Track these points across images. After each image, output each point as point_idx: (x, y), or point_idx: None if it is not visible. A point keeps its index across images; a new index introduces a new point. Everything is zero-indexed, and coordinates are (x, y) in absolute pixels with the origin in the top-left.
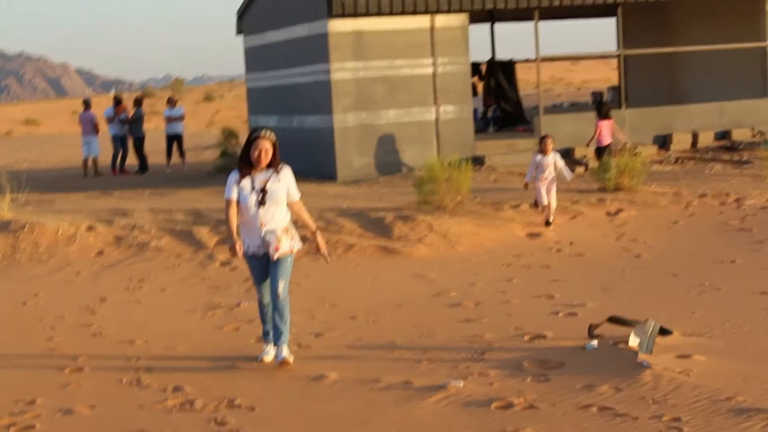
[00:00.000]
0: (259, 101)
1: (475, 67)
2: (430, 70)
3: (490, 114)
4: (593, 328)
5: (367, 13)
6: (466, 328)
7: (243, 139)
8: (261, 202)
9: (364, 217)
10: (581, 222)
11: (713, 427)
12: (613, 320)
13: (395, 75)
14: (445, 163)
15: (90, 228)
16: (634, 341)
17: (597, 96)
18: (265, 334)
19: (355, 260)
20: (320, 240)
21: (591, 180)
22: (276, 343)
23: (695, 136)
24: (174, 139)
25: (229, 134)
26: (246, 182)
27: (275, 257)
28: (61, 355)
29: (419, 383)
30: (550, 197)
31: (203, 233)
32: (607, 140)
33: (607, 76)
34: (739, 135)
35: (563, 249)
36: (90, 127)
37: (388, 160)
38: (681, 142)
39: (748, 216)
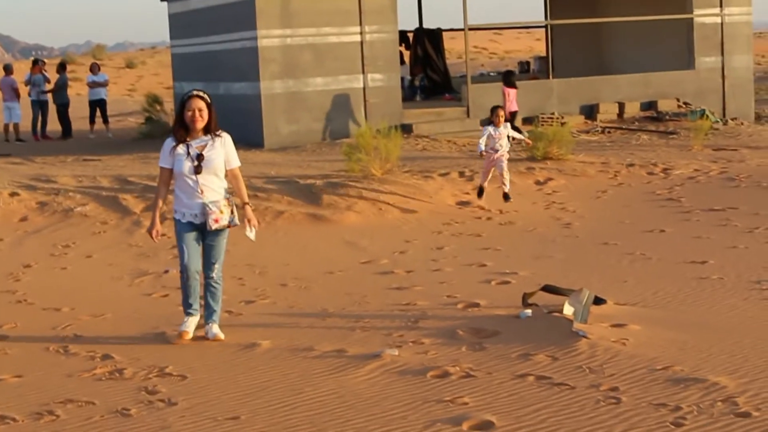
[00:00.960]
0: (184, 68)
1: (403, 36)
2: (358, 38)
3: (417, 83)
4: (527, 297)
5: None
6: (399, 296)
7: (168, 106)
8: (197, 170)
9: (292, 184)
10: (510, 191)
11: (651, 397)
12: (547, 289)
13: (323, 42)
14: (374, 131)
15: (13, 194)
16: (568, 310)
17: (524, 65)
18: (187, 305)
19: (285, 228)
20: (250, 214)
21: (519, 149)
22: (207, 321)
23: (622, 107)
24: (97, 105)
25: (154, 100)
26: (181, 149)
27: (213, 227)
28: None
29: (353, 351)
30: (503, 171)
31: (129, 199)
32: (514, 107)
33: (530, 46)
34: (665, 106)
35: (493, 217)
36: (10, 92)
37: (315, 127)
38: (608, 112)
39: (676, 186)
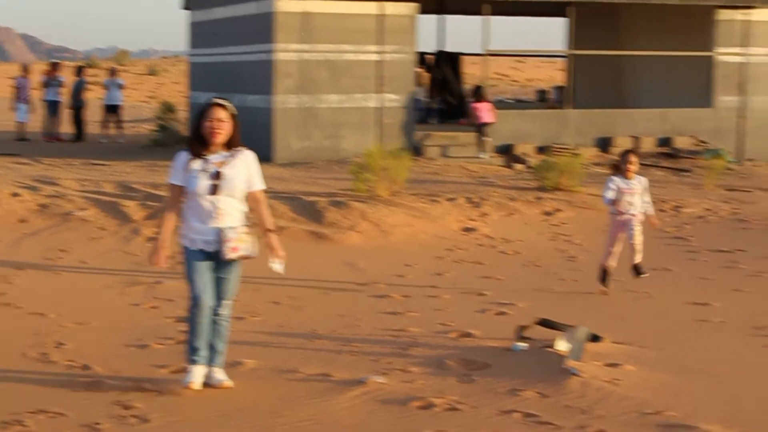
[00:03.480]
0: (200, 77)
1: (422, 57)
2: (375, 57)
3: (434, 105)
4: (522, 330)
5: None
6: (392, 321)
7: (181, 114)
8: (214, 190)
9: (297, 200)
10: (517, 220)
11: None
12: (543, 323)
13: (340, 59)
14: (385, 151)
15: (14, 194)
16: (562, 346)
17: (542, 94)
18: (194, 350)
19: (285, 244)
20: (275, 242)
21: (530, 178)
22: (211, 364)
23: (637, 141)
24: (112, 110)
25: (168, 108)
26: (197, 164)
27: (230, 256)
28: None
29: (338, 376)
30: (634, 237)
31: (130, 206)
32: (487, 118)
33: (551, 75)
34: (681, 143)
35: (497, 246)
36: (25, 92)
37: (327, 144)
38: (622, 145)
39: (686, 224)
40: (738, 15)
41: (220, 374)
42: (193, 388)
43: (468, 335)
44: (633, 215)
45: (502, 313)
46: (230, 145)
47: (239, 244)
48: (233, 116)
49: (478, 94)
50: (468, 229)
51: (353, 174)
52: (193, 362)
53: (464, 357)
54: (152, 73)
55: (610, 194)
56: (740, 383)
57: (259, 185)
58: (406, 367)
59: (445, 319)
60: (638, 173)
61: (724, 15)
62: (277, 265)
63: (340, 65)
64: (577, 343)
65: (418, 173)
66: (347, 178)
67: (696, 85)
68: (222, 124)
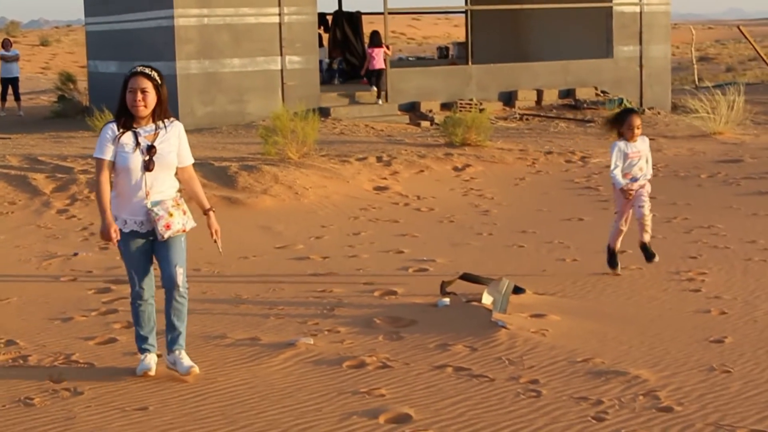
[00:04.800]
0: (98, 46)
1: (321, 18)
2: (276, 19)
3: (335, 66)
4: (445, 285)
5: None
6: (315, 283)
7: (81, 84)
8: (147, 166)
9: (207, 166)
10: (428, 177)
11: (572, 390)
12: (466, 277)
13: (241, 23)
14: (291, 113)
15: None
16: (487, 299)
17: (443, 51)
18: (142, 339)
19: (198, 210)
20: (213, 222)
21: (437, 134)
22: (172, 348)
23: (540, 94)
24: (9, 83)
25: (67, 78)
26: (127, 138)
27: (165, 236)
28: None
29: (267, 340)
30: (644, 213)
31: (39, 179)
32: (379, 65)
33: (447, 32)
34: (583, 94)
35: (411, 203)
36: None
37: (231, 109)
38: (526, 99)
39: (594, 174)
40: None
41: (186, 360)
42: (149, 375)
43: (392, 293)
44: (642, 186)
45: (423, 270)
46: (158, 116)
47: (170, 219)
48: (158, 85)
49: (374, 39)
50: (380, 188)
51: (262, 137)
52: (143, 351)
53: (390, 315)
54: (44, 43)
55: (618, 174)
56: (663, 328)
57: (189, 160)
58: (334, 328)
59: (367, 278)
60: (543, 124)
61: None
62: (219, 244)
63: (242, 29)
64: (502, 295)
65: (325, 134)
66: (256, 142)
67: (595, 37)
68: (146, 95)
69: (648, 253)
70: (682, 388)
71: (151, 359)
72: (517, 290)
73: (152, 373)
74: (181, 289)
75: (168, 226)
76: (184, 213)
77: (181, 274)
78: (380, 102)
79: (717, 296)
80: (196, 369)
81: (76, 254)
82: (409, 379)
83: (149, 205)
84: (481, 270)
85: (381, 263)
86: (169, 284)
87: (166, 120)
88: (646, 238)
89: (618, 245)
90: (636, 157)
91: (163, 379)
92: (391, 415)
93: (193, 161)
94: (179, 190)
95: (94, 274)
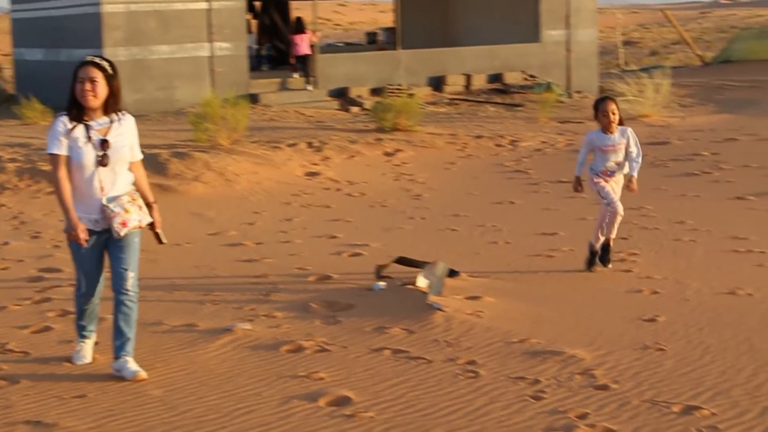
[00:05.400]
0: (25, 33)
1: (250, 4)
2: (204, 6)
3: (264, 52)
4: (380, 269)
5: None
6: (249, 269)
7: (6, 72)
8: (101, 161)
9: None
10: (359, 162)
11: (509, 370)
12: (401, 261)
13: (169, 9)
14: (221, 100)
15: None
16: (422, 282)
17: (371, 36)
18: (81, 327)
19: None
20: (157, 216)
21: (367, 120)
22: (119, 355)
23: (469, 79)
24: None
25: None
26: (79, 132)
27: (122, 233)
28: None
29: (204, 326)
30: (615, 216)
31: None
32: (304, 51)
33: (374, 18)
34: (512, 78)
35: (342, 189)
36: None
37: (160, 96)
38: (455, 84)
39: (524, 158)
40: None
41: (132, 365)
42: (79, 364)
43: (327, 278)
44: (614, 179)
45: (357, 254)
46: (110, 108)
47: (126, 216)
48: (110, 76)
49: (298, 25)
50: (312, 174)
51: (193, 124)
52: (82, 338)
53: (326, 299)
54: None
55: (578, 163)
56: (596, 308)
57: (139, 155)
58: (271, 313)
59: (301, 264)
60: (473, 109)
61: None
62: (164, 238)
63: (170, 15)
64: (437, 278)
65: (256, 120)
66: (186, 129)
67: (523, 21)
68: (95, 85)
69: (606, 254)
70: (617, 367)
71: (87, 349)
72: (452, 273)
73: (88, 360)
74: (131, 293)
75: (124, 223)
76: (140, 208)
77: (132, 278)
78: (309, 88)
79: (648, 276)
80: (143, 374)
81: (6, 243)
82: (347, 362)
83: (104, 202)
84: (414, 254)
85: (315, 248)
86: (118, 287)
87: (119, 113)
88: (612, 234)
89: (598, 243)
90: (610, 150)
91: (100, 366)
92: (331, 398)
93: (141, 156)
94: (133, 184)
95: (26, 263)
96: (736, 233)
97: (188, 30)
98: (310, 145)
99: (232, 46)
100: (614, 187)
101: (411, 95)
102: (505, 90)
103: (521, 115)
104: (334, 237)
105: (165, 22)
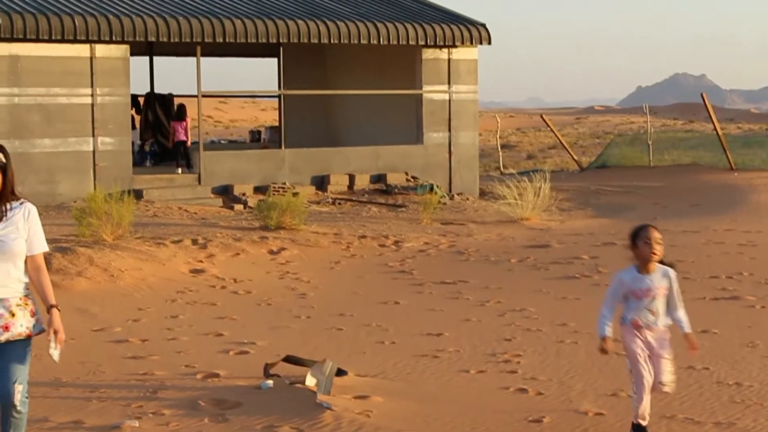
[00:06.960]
0: None
1: (134, 100)
2: (89, 100)
3: (147, 148)
4: (269, 368)
5: (24, 39)
6: (135, 365)
7: None
8: None
9: None
10: (244, 259)
11: None
12: (289, 360)
13: (53, 103)
14: (105, 195)
15: None
16: (311, 381)
17: (255, 134)
18: None
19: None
20: (58, 323)
21: (251, 218)
22: None
23: (352, 179)
24: None
25: None
26: None
27: (2, 339)
28: None
29: (90, 423)
30: (663, 370)
31: None
32: (181, 137)
33: (254, 116)
34: (394, 179)
35: (228, 286)
36: None
37: (42, 190)
38: (338, 183)
39: (408, 258)
40: (442, 54)
41: None
42: None
43: (214, 375)
44: (662, 332)
45: (244, 352)
46: (3, 198)
47: (11, 320)
48: (2, 165)
49: (179, 112)
50: (196, 271)
51: (76, 219)
52: None
53: (215, 397)
54: None
55: (604, 318)
56: (482, 408)
57: (41, 247)
58: (159, 410)
59: (188, 361)
60: (356, 209)
61: (429, 54)
62: (55, 352)
63: (53, 109)
64: (325, 377)
65: (139, 216)
66: (68, 224)
67: (406, 122)
68: None
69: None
70: None
71: None
72: (340, 372)
73: None
74: (17, 405)
75: (6, 328)
76: (32, 315)
77: (19, 392)
78: (179, 171)
79: (533, 377)
80: None
81: None
82: None
83: None
84: (301, 353)
85: (201, 346)
86: (4, 400)
87: (11, 202)
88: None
89: (643, 416)
90: (648, 296)
91: None
92: None
93: (46, 249)
94: (27, 286)
95: None
96: (616, 336)
97: (72, 124)
98: (194, 242)
99: (116, 141)
100: (653, 347)
101: (295, 194)
102: (388, 191)
103: (404, 216)
104: (221, 335)
105: (48, 115)
